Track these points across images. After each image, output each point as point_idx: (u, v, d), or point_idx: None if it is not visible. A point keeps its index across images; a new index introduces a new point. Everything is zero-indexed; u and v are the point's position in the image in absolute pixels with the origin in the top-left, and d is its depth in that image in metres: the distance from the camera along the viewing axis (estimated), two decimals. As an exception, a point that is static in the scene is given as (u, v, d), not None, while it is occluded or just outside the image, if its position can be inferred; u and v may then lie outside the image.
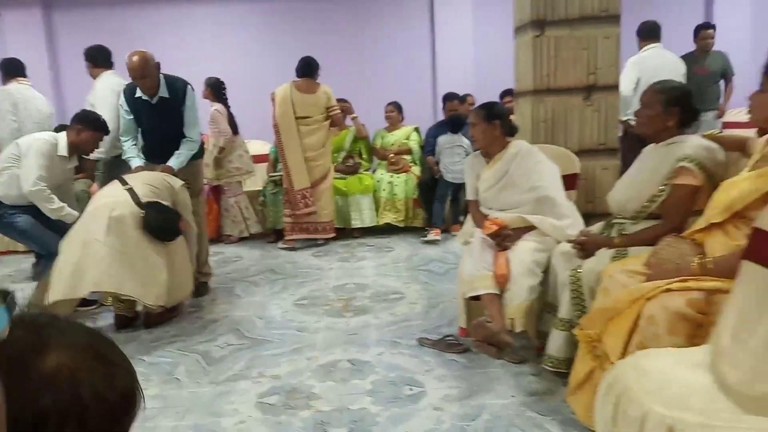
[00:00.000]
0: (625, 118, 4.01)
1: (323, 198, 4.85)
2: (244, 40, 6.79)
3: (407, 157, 5.45)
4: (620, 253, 2.25)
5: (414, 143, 5.52)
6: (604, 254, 2.28)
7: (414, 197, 5.22)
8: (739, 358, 1.44)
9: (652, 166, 2.29)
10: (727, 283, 1.67)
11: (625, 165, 2.63)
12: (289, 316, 3.28)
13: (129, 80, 3.50)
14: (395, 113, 5.57)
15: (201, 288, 3.71)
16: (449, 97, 5.48)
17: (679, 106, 2.26)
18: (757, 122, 1.96)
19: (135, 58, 3.32)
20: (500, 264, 2.55)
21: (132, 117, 3.54)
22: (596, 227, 2.51)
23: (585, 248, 2.35)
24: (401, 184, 5.21)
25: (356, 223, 5.16)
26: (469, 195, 2.97)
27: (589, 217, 2.95)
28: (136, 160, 3.52)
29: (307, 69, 4.79)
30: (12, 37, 6.60)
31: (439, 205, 5.03)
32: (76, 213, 3.30)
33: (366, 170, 5.52)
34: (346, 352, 2.77)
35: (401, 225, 5.20)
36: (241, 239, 5.23)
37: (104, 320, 3.35)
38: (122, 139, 3.60)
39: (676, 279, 1.84)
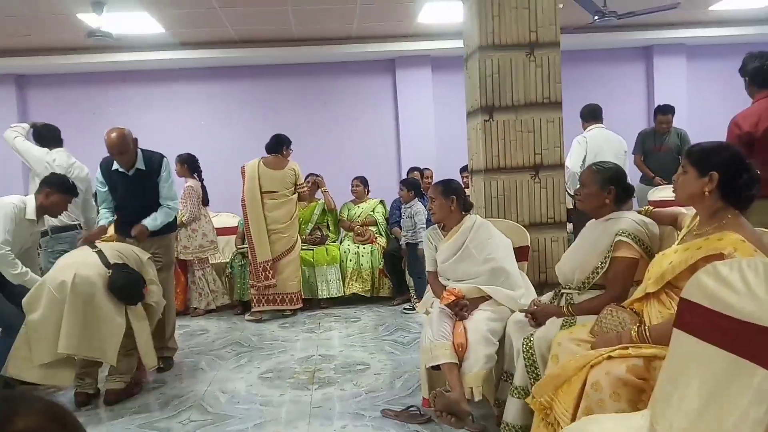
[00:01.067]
0: (573, 193, 4.28)
1: (289, 269, 4.91)
2: (216, 117, 7.03)
3: (373, 229, 5.62)
4: (568, 322, 2.38)
5: (379, 215, 5.70)
6: (554, 323, 2.41)
7: (380, 267, 5.34)
8: (673, 422, 1.56)
9: (593, 240, 2.48)
10: (663, 350, 1.80)
11: (577, 235, 2.81)
12: (253, 390, 3.29)
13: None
14: (361, 187, 5.78)
15: (165, 363, 3.69)
16: (411, 170, 5.81)
17: (614, 184, 2.48)
18: (681, 201, 2.16)
19: (113, 135, 3.44)
20: (458, 333, 2.66)
21: (107, 189, 3.64)
22: (546, 297, 2.65)
23: (536, 317, 2.48)
24: (367, 255, 5.34)
25: (323, 294, 5.22)
26: (429, 266, 3.10)
27: (541, 287, 3.11)
28: (103, 220, 3.61)
29: (276, 146, 4.99)
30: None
31: (420, 277, 5.06)
32: (39, 278, 3.28)
33: (333, 241, 5.65)
34: (309, 426, 2.78)
35: (367, 295, 5.29)
36: (208, 311, 5.23)
37: (63, 397, 3.29)
38: (99, 207, 3.72)
39: (617, 346, 1.97)
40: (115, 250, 3.26)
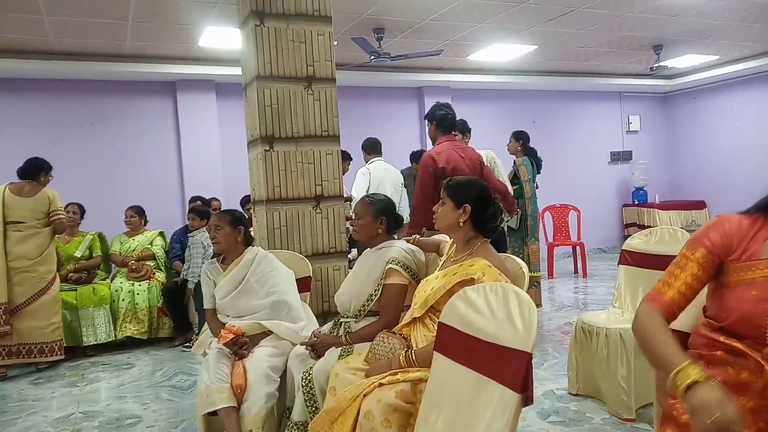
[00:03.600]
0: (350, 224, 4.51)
1: (43, 313, 4.22)
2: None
3: (151, 263, 5.16)
4: (346, 351, 2.42)
5: (158, 248, 5.27)
6: (333, 353, 2.43)
7: (158, 305, 4.91)
8: (433, 441, 1.64)
9: (367, 268, 2.57)
10: (428, 372, 1.91)
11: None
12: (-11, 467, 2.72)
13: None
14: (136, 218, 5.29)
15: None
16: (193, 200, 5.48)
17: (385, 215, 2.62)
18: (440, 230, 2.36)
19: None
20: (237, 374, 2.52)
21: None
22: (327, 327, 2.67)
23: (316, 349, 2.48)
24: (143, 293, 4.86)
25: (89, 340, 4.60)
26: (206, 303, 2.92)
27: (324, 316, 3.14)
28: None
29: (33, 171, 4.33)
30: None
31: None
32: None
33: (102, 279, 5.05)
34: (62, 499, 2.38)
35: (144, 337, 4.80)
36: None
37: None
38: None
39: (388, 372, 2.05)
40: None
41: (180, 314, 4.90)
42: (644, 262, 3.12)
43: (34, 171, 4.35)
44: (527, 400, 1.50)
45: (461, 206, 2.19)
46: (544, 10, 5.39)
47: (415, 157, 5.49)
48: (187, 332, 4.86)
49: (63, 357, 4.34)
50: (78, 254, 4.93)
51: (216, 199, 6.00)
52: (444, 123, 3.82)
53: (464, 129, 4.49)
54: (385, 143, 5.47)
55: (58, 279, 4.43)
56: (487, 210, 2.22)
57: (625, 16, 5.73)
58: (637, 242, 3.21)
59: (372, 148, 5.16)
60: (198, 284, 4.71)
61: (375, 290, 2.51)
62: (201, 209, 5.12)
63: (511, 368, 1.48)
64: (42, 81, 6.16)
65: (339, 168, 3.36)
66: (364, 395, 1.97)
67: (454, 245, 2.32)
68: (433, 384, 1.79)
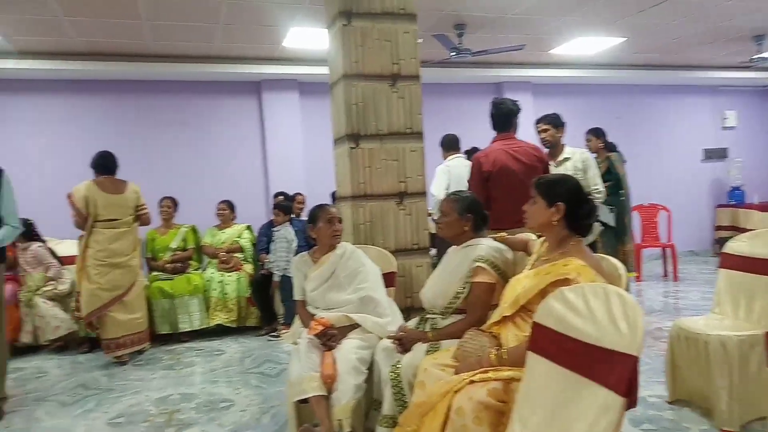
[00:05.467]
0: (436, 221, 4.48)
1: (138, 305, 4.41)
2: (60, 134, 6.34)
3: (239, 255, 5.40)
4: (433, 347, 2.44)
5: (246, 241, 5.50)
6: (420, 348, 2.46)
7: (246, 296, 5.13)
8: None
9: (454, 266, 2.58)
10: (520, 372, 1.90)
11: (440, 260, 2.91)
12: (100, 440, 2.96)
13: None
14: (228, 211, 5.56)
15: None
16: (277, 195, 5.73)
17: (471, 212, 2.62)
18: (532, 229, 2.33)
19: None
20: (327, 364, 2.60)
21: None
22: (412, 322, 2.71)
23: (403, 343, 2.52)
24: (233, 283, 5.11)
25: (184, 326, 4.89)
26: (297, 295, 3.03)
27: (408, 312, 3.17)
28: None
29: (110, 164, 4.34)
30: None
31: (291, 302, 4.90)
32: None
33: (195, 269, 5.34)
34: (166, 474, 2.56)
35: (233, 325, 5.05)
36: (51, 349, 4.68)
37: None
38: None
39: (478, 370, 2.05)
40: None
41: (266, 305, 5.10)
42: (748, 266, 2.93)
43: (113, 165, 4.38)
44: (630, 403, 1.46)
45: (554, 204, 2.16)
46: (634, 2, 5.16)
47: (470, 155, 5.41)
48: (272, 322, 5.06)
49: (150, 343, 4.57)
50: (173, 245, 5.25)
51: (300, 194, 6.19)
52: (494, 121, 3.64)
53: (557, 123, 4.24)
54: (463, 140, 5.42)
55: (141, 272, 4.58)
56: (581, 208, 2.17)
57: (723, 5, 5.39)
58: (741, 245, 3.02)
59: (451, 144, 5.13)
60: (283, 277, 4.90)
61: (462, 288, 2.51)
62: (284, 205, 5.30)
63: (615, 371, 1.45)
64: (136, 82, 6.55)
65: (423, 165, 3.38)
66: (455, 391, 1.98)
67: (545, 244, 2.28)
68: (528, 383, 1.77)
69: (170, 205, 5.37)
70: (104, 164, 4.34)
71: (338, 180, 3.51)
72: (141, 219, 4.46)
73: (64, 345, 4.78)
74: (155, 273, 5.16)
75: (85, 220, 4.22)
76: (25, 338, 4.64)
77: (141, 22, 5.10)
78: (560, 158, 4.14)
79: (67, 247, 5.19)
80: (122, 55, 6.04)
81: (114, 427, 3.12)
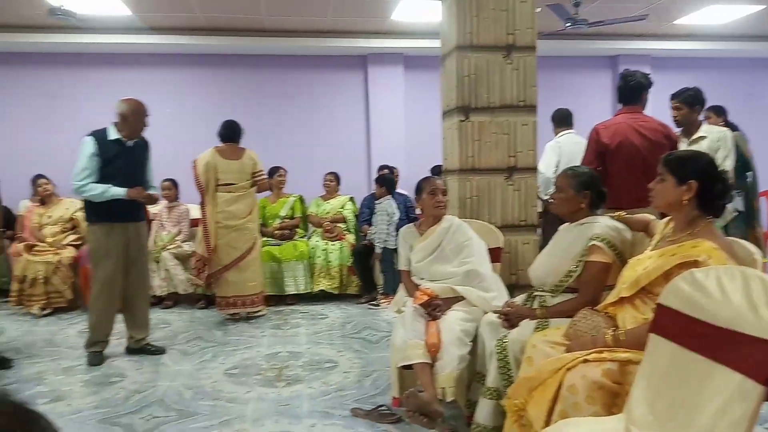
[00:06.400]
0: (546, 197, 4.34)
1: (253, 268, 4.62)
2: (183, 106, 6.79)
3: (342, 225, 5.57)
4: (542, 324, 2.40)
5: (349, 212, 5.66)
6: (527, 324, 2.43)
7: (348, 264, 5.30)
8: (648, 425, 1.58)
9: (567, 244, 2.50)
10: (638, 354, 1.82)
11: (546, 240, 2.84)
12: (219, 386, 3.21)
13: None
14: (334, 182, 5.75)
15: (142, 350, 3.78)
16: (381, 168, 5.85)
17: (589, 189, 2.51)
18: (658, 208, 2.20)
19: (138, 101, 3.65)
20: (431, 333, 2.65)
21: (99, 159, 3.54)
22: (519, 299, 2.67)
23: (509, 318, 2.49)
24: (336, 252, 5.29)
25: (290, 290, 5.15)
26: (402, 265, 3.09)
27: (512, 288, 3.13)
28: (118, 189, 3.55)
29: (233, 133, 4.62)
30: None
31: (390, 273, 5.01)
32: None
33: (301, 237, 5.58)
34: (277, 423, 2.73)
35: (335, 292, 5.25)
36: (168, 304, 5.12)
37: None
38: (86, 182, 3.51)
39: (592, 350, 1.99)
40: None
41: (367, 275, 5.25)
42: None
43: (236, 134, 4.63)
44: (768, 395, 1.37)
45: (685, 182, 2.02)
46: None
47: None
48: (372, 292, 5.20)
49: (264, 310, 4.79)
50: (283, 213, 5.51)
51: (396, 168, 6.23)
52: (621, 93, 3.38)
53: (693, 102, 3.73)
54: (575, 116, 5.20)
55: (259, 237, 4.81)
56: (715, 186, 2.02)
57: None
58: None
59: (562, 120, 4.93)
60: (384, 249, 5.00)
61: (575, 266, 2.44)
62: (387, 177, 5.37)
63: (754, 357, 1.36)
64: (249, 56, 6.85)
65: (535, 139, 3.29)
66: (568, 369, 1.94)
67: (671, 224, 2.16)
68: (651, 366, 1.70)
69: (283, 174, 5.61)
70: (228, 133, 4.64)
71: (446, 153, 3.50)
72: (258, 185, 4.68)
73: (176, 301, 5.20)
74: (265, 239, 5.44)
75: (201, 187, 4.54)
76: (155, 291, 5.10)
77: (259, -2, 5.31)
78: (695, 136, 3.82)
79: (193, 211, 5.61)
80: (239, 30, 6.34)
81: (231, 377, 3.37)
